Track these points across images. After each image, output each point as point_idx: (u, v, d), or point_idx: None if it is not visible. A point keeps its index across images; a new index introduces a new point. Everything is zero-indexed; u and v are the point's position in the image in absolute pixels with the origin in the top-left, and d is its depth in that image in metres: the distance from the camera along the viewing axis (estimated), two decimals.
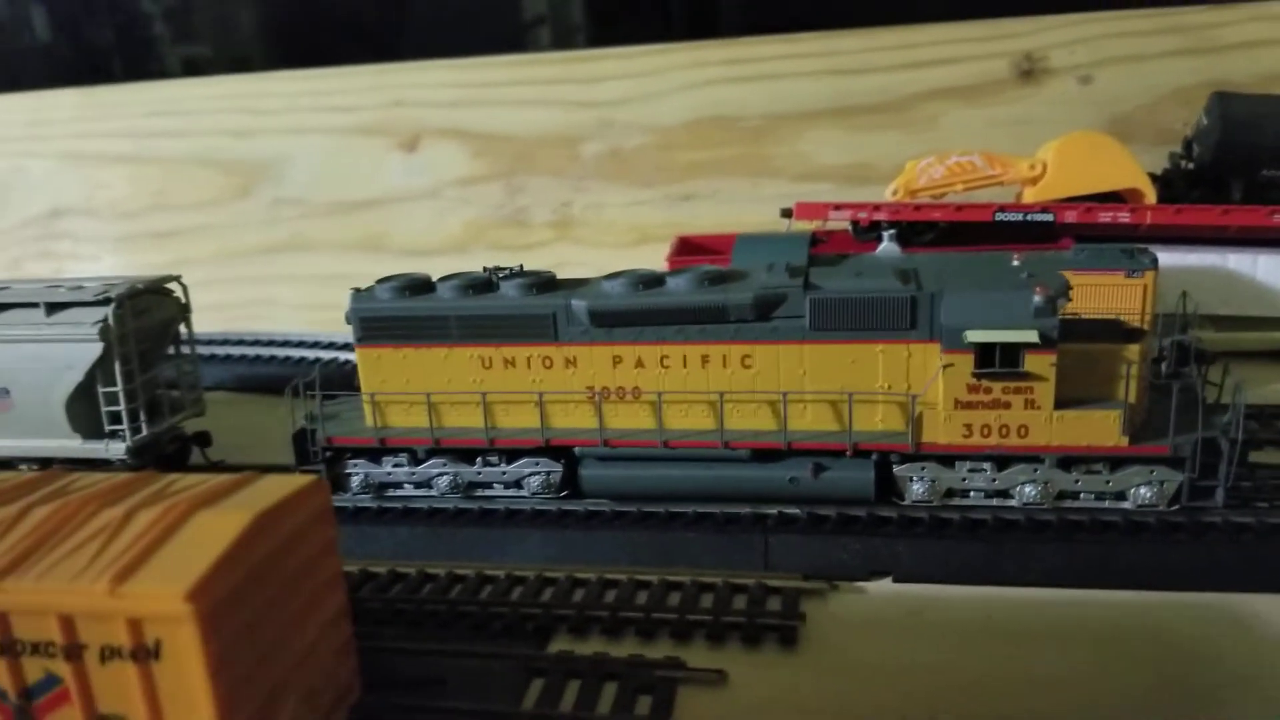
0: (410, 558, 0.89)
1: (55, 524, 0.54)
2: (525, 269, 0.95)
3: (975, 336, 0.80)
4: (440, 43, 1.66)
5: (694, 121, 1.55)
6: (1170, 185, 1.34)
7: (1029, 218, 1.33)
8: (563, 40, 1.66)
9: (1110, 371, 0.81)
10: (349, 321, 0.94)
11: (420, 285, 0.94)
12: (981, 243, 1.31)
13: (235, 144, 1.70)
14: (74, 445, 1.01)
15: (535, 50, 1.65)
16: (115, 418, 1.00)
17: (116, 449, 1.00)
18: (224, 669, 0.49)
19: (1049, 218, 1.33)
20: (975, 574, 0.81)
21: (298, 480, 0.56)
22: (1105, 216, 1.33)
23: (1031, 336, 0.79)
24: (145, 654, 0.50)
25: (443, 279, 0.95)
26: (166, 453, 1.05)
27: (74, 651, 0.52)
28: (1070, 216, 1.33)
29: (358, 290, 0.94)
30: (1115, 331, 0.85)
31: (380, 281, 0.96)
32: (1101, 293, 1.17)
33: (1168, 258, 1.24)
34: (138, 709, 0.51)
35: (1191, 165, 1.33)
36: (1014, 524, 0.83)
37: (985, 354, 0.81)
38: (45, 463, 1.01)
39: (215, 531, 0.51)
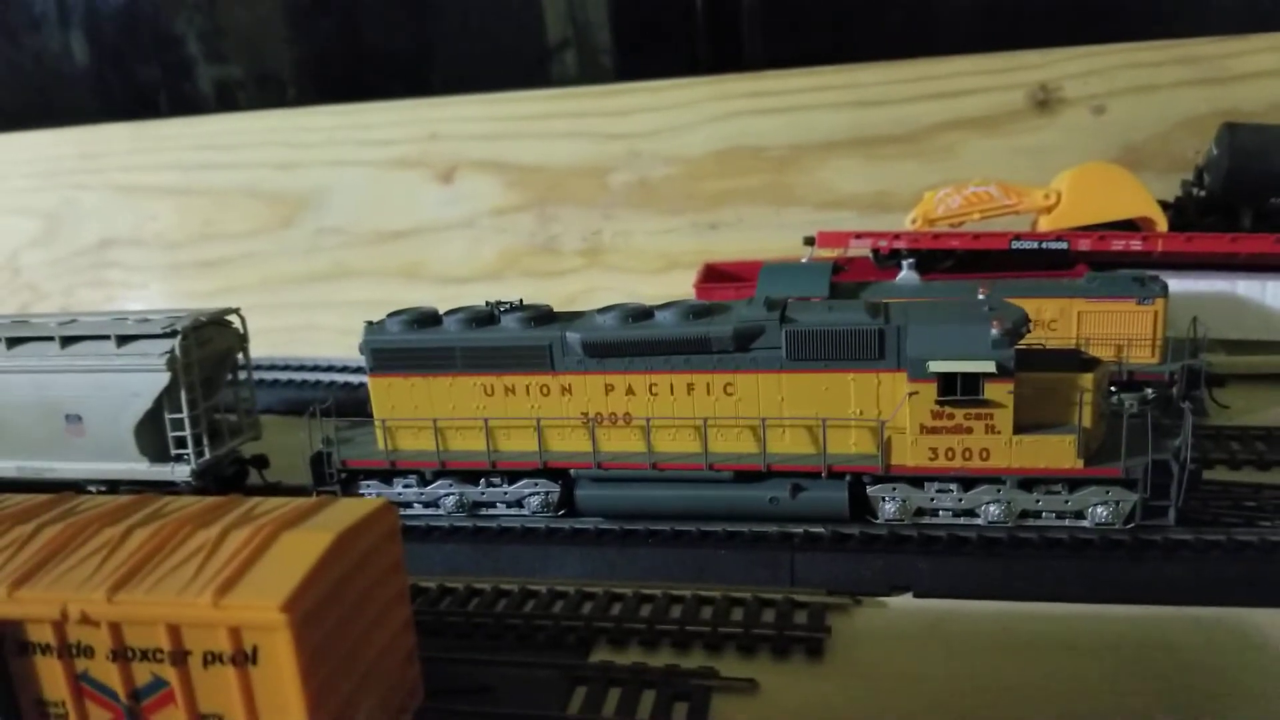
0: (456, 573, 0.94)
1: (157, 544, 0.62)
2: (525, 303, 1.04)
3: (937, 367, 0.86)
4: (474, 77, 1.73)
5: (720, 152, 1.62)
6: (1182, 213, 1.41)
7: (1044, 246, 1.39)
8: (592, 74, 1.72)
9: (1066, 399, 0.88)
10: (362, 353, 1.03)
11: (428, 318, 1.04)
12: (998, 270, 1.37)
13: (278, 176, 1.79)
14: (141, 469, 1.09)
15: (565, 84, 1.71)
16: (180, 442, 1.08)
17: (181, 472, 1.08)
18: (312, 672, 0.56)
19: (1063, 246, 1.40)
20: (991, 589, 0.89)
21: (370, 503, 0.63)
22: (1118, 244, 1.39)
23: (989, 367, 0.86)
24: (244, 659, 0.57)
25: (448, 312, 1.04)
26: (226, 475, 1.13)
27: (179, 657, 0.59)
28: (1084, 244, 1.39)
29: (370, 323, 1.03)
30: (1072, 361, 0.92)
31: (390, 315, 1.05)
32: (1114, 319, 1.24)
33: (1178, 284, 1.30)
34: (235, 709, 0.58)
35: (1203, 193, 1.38)
36: (1027, 542, 0.90)
37: (948, 383, 0.89)
38: (113, 485, 1.09)
39: (302, 550, 0.58)
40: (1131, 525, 0.89)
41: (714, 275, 1.42)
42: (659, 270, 1.65)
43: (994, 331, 0.86)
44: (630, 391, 0.97)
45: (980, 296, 0.96)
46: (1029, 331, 0.90)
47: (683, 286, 1.33)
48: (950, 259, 1.41)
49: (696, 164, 1.62)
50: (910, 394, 0.88)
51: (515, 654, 0.83)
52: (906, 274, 1.30)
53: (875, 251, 1.43)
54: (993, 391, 0.87)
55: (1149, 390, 1.10)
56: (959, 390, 0.87)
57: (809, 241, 1.40)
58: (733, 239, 1.62)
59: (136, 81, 1.94)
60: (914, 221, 1.41)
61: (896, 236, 1.39)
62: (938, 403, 0.88)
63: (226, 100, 1.89)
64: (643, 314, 0.97)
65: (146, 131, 1.88)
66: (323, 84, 1.88)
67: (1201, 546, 0.88)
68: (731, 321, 0.94)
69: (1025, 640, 0.82)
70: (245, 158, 1.81)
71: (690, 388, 0.95)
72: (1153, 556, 0.87)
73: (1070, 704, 0.75)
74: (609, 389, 0.97)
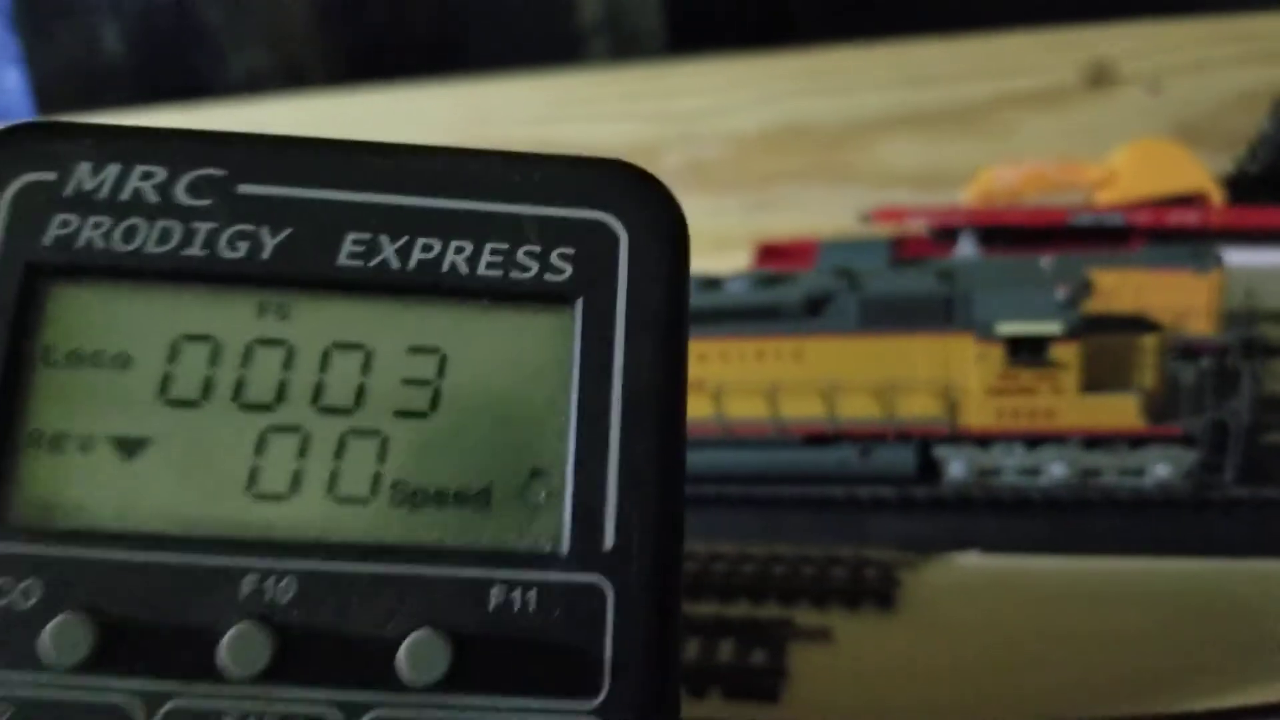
0: None
1: None
2: None
3: (1005, 329, 0.92)
4: (517, 56, 1.78)
5: (771, 131, 1.68)
6: (1236, 188, 1.44)
7: (1101, 220, 1.43)
8: (640, 52, 1.77)
9: (1129, 360, 0.93)
10: None
11: None
12: (1055, 245, 1.42)
13: None
14: None
15: (611, 63, 1.76)
16: None
17: None
18: None
19: (1120, 220, 1.44)
20: (1056, 545, 0.94)
21: None
22: (1173, 219, 1.43)
23: (1055, 328, 0.91)
24: None
25: None
26: None
27: None
28: (1140, 219, 1.44)
29: None
30: (1134, 325, 0.97)
31: None
32: (1171, 290, 1.28)
33: (1234, 257, 1.34)
34: None
35: (1257, 169, 1.43)
36: (1091, 499, 0.94)
37: (1014, 345, 0.92)
38: None
39: None
40: (1191, 481, 0.95)
41: (771, 255, 1.48)
42: (712, 250, 1.70)
43: (1059, 295, 0.92)
44: (702, 358, 1.03)
45: (1043, 266, 1.02)
46: (1090, 298, 0.96)
47: (736, 267, 1.39)
48: (1007, 234, 1.46)
49: (748, 143, 1.68)
50: (978, 357, 0.94)
51: None
52: (965, 249, 1.35)
53: (932, 228, 1.48)
54: (1059, 353, 0.93)
55: (1206, 358, 1.15)
56: (1026, 352, 0.93)
57: (865, 219, 1.46)
58: (786, 218, 1.68)
59: (169, 67, 2.01)
60: (970, 198, 1.46)
61: (953, 213, 1.44)
62: (1005, 365, 0.94)
63: (265, 86, 1.95)
64: (712, 283, 1.04)
65: (184, 120, 1.95)
66: (364, 65, 1.93)
67: (1259, 502, 0.93)
68: (801, 289, 1.00)
69: (1091, 592, 0.88)
70: None
71: (760, 354, 1.02)
72: (1212, 512, 0.93)
73: (1140, 650, 0.80)
74: None
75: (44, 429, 0.39)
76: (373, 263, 0.40)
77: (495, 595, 0.37)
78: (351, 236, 0.40)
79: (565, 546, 0.39)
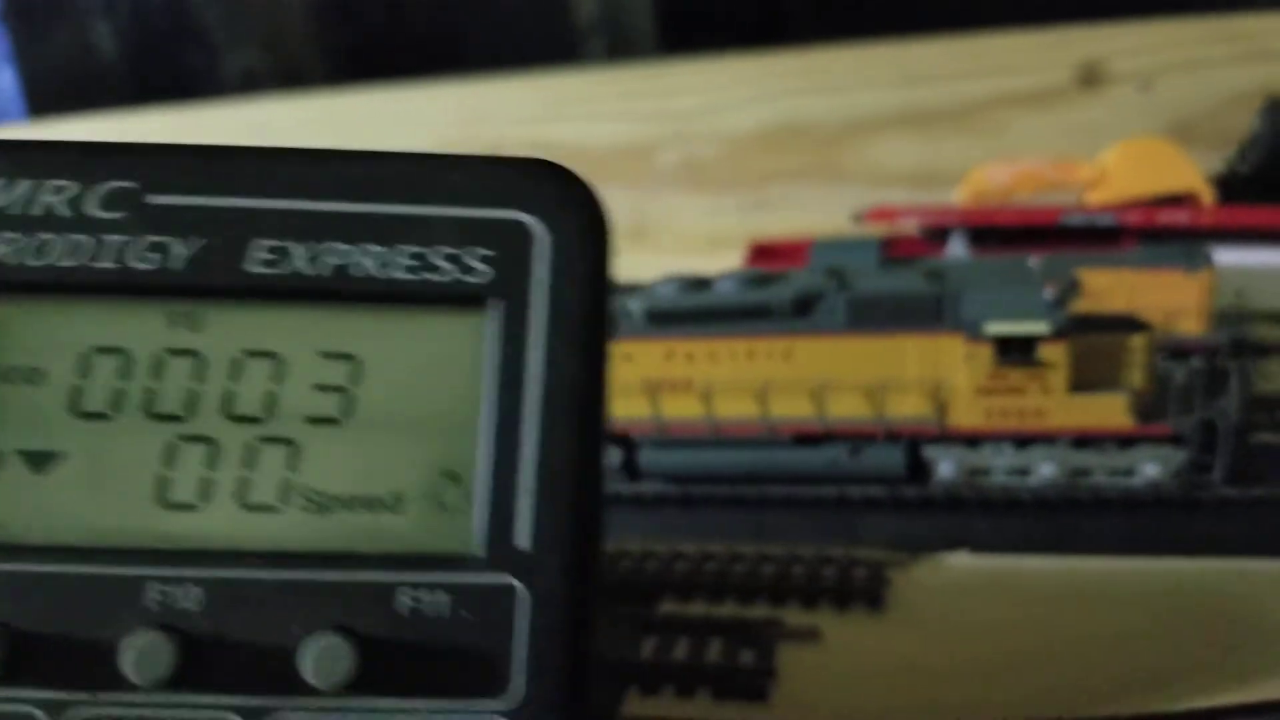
0: None
1: None
2: None
3: (993, 329, 0.93)
4: (511, 56, 1.79)
5: (767, 130, 1.69)
6: (1227, 187, 1.45)
7: (1092, 219, 1.44)
8: (634, 52, 1.78)
9: (1118, 359, 0.94)
10: None
11: None
12: (1046, 244, 1.43)
13: None
14: None
15: (606, 63, 1.77)
16: None
17: None
18: None
19: (1111, 219, 1.44)
20: (1046, 545, 0.95)
21: None
22: (1165, 218, 1.44)
23: (1043, 328, 0.92)
24: None
25: None
26: None
27: None
28: (1131, 218, 1.44)
29: None
30: (1123, 325, 0.98)
31: None
32: (1161, 289, 1.29)
33: (1225, 256, 1.35)
34: None
35: (1247, 169, 1.43)
36: (1080, 499, 0.95)
37: (1003, 345, 0.93)
38: None
39: None
40: (1180, 481, 0.95)
41: (764, 254, 1.48)
42: (706, 250, 1.71)
43: (1048, 295, 0.93)
44: (690, 358, 1.04)
45: (1032, 266, 1.02)
46: (1079, 297, 0.97)
47: (731, 266, 1.39)
48: (998, 234, 1.47)
49: (743, 143, 1.69)
50: (967, 356, 0.95)
51: None
52: (956, 248, 1.36)
53: (924, 227, 1.49)
54: (1047, 352, 0.94)
55: (1196, 358, 1.16)
56: (1014, 352, 0.93)
57: (858, 219, 1.47)
58: (781, 218, 1.69)
59: (167, 66, 2.01)
60: (962, 198, 1.47)
61: (945, 213, 1.45)
62: (994, 365, 0.95)
63: (264, 86, 1.96)
64: (702, 283, 1.04)
65: (184, 120, 1.93)
66: (360, 65, 1.94)
67: (1248, 502, 0.94)
68: (791, 289, 1.01)
69: (1081, 591, 0.88)
70: (290, 144, 1.88)
71: (750, 353, 1.02)
72: (1201, 511, 0.94)
73: (1131, 649, 0.80)
74: (669, 356, 1.04)
75: None
76: (283, 269, 0.41)
77: (404, 598, 0.38)
78: (262, 243, 0.41)
79: (477, 548, 0.39)
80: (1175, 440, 0.94)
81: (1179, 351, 1.21)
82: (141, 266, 0.40)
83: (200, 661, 0.37)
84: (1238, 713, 0.68)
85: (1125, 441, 0.95)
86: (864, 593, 0.89)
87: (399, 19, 1.91)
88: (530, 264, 0.41)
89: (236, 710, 0.37)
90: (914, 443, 1.01)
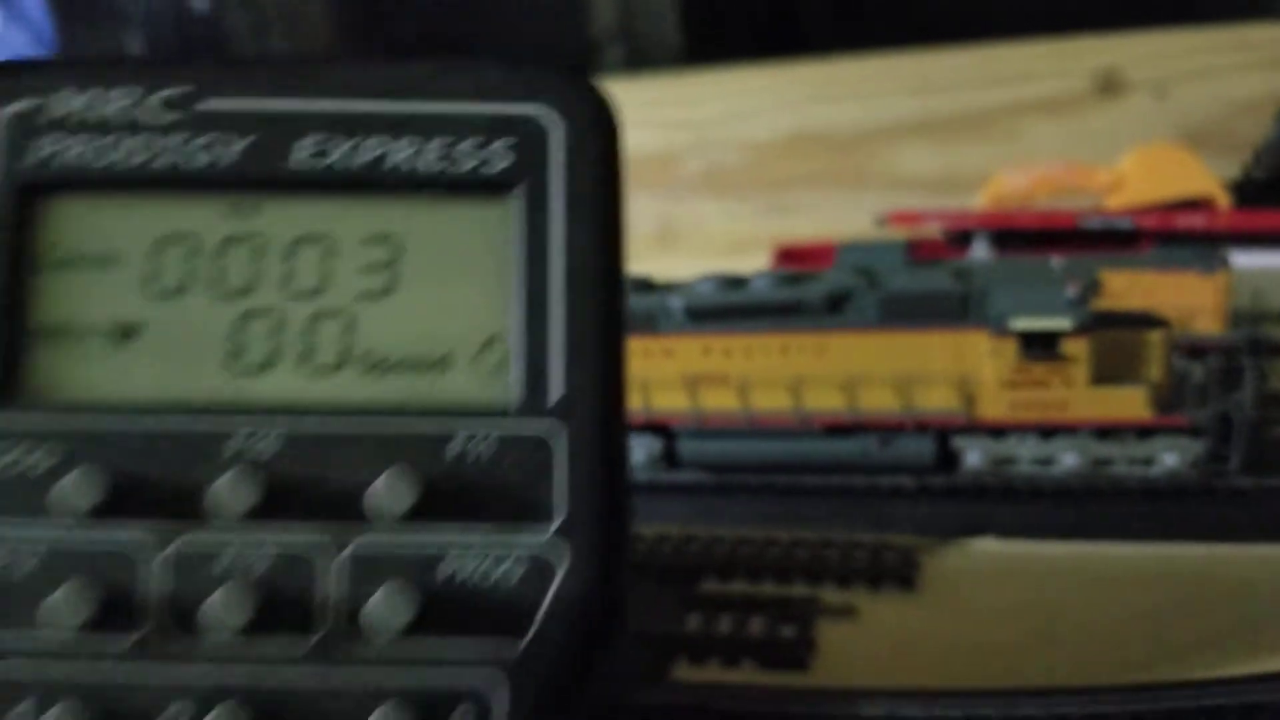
0: None
1: None
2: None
3: (1018, 325, 0.97)
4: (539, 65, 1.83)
5: (787, 137, 1.73)
6: (1242, 192, 1.50)
7: (1110, 223, 1.49)
8: (659, 62, 1.82)
9: (1138, 354, 0.99)
10: None
11: None
12: (1065, 247, 1.47)
13: None
14: None
15: (632, 73, 1.81)
16: None
17: None
18: None
19: (1129, 223, 1.49)
20: (1069, 531, 0.98)
21: None
22: (1181, 222, 1.48)
23: (1066, 324, 0.96)
24: None
25: None
26: None
27: None
28: (1149, 222, 1.49)
29: None
30: (1142, 321, 1.03)
31: None
32: (1179, 290, 1.33)
33: (1242, 259, 1.40)
34: None
35: (1262, 174, 1.48)
36: (1102, 487, 0.99)
37: (1027, 340, 0.98)
38: None
39: None
40: (1198, 471, 1.00)
41: (788, 258, 1.53)
42: (729, 254, 1.76)
43: (1070, 292, 0.98)
44: (728, 353, 1.09)
45: (1054, 266, 1.07)
46: (1099, 296, 1.02)
47: (753, 269, 1.44)
48: (1019, 237, 1.51)
49: (765, 149, 1.73)
50: (992, 351, 1.00)
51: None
52: (980, 250, 1.40)
53: (946, 231, 1.53)
54: (1069, 347, 0.98)
55: (1213, 356, 1.21)
56: (1038, 347, 0.98)
57: (881, 223, 1.51)
58: (803, 223, 1.73)
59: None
60: (983, 202, 1.52)
61: (966, 215, 1.50)
62: (1018, 359, 0.99)
63: None
64: (739, 282, 1.09)
65: None
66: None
67: (1262, 491, 0.98)
68: (823, 287, 1.06)
69: (1102, 575, 0.92)
70: None
71: (784, 348, 1.07)
72: (1217, 499, 0.98)
73: (1147, 628, 0.84)
74: (708, 351, 1.09)
75: (47, 322, 0.44)
76: (326, 163, 0.44)
77: (455, 444, 0.42)
78: (306, 141, 0.44)
79: (517, 400, 0.43)
80: (1193, 432, 0.99)
81: (1196, 350, 1.25)
82: (198, 163, 0.44)
83: (282, 497, 0.42)
84: (1253, 680, 0.72)
85: (1145, 432, 1.00)
86: (896, 574, 0.93)
87: (419, 31, 1.96)
88: (548, 151, 0.45)
89: (320, 538, 0.41)
90: (942, 434, 1.05)
